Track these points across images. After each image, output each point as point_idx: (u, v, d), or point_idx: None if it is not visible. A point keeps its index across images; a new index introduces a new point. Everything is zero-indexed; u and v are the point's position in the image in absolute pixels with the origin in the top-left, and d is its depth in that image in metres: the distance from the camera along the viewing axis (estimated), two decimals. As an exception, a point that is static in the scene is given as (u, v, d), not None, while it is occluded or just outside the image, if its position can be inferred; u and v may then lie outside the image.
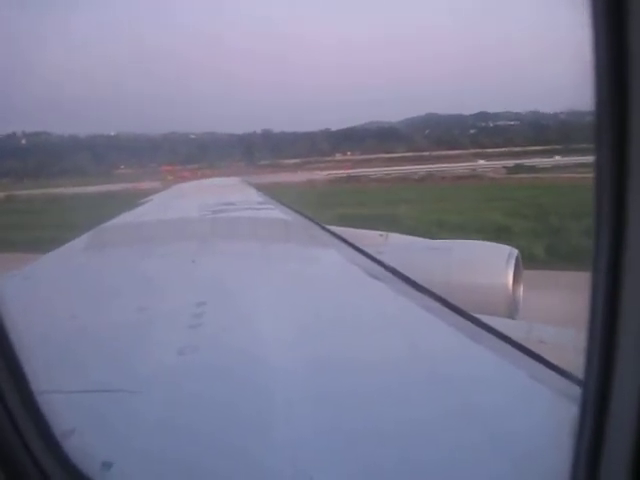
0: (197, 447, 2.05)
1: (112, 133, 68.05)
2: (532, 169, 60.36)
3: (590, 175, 1.03)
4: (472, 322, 3.53)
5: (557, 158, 62.87)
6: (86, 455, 1.71)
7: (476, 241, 8.05)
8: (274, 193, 12.65)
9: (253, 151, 67.39)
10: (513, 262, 6.64)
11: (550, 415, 2.02)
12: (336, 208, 29.63)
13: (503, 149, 70.06)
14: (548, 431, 1.68)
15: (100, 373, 2.72)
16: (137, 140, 65.79)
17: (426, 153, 71.15)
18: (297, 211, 8.93)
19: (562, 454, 1.20)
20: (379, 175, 61.12)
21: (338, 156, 76.62)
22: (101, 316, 3.72)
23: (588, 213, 1.07)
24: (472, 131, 78.14)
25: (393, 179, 58.87)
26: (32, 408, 1.45)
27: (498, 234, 20.81)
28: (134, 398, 2.43)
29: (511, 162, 63.88)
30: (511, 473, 1.85)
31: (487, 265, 6.76)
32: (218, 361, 2.93)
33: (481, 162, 66.95)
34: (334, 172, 61.73)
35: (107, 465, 1.86)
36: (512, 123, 77.34)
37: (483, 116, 79.62)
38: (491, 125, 78.86)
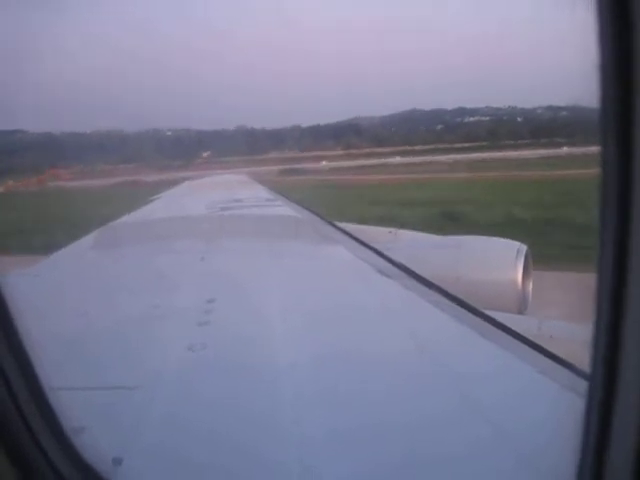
0: (206, 443, 2.06)
1: (88, 131, 68.07)
2: (301, 172, 62.80)
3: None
4: (481, 318, 3.53)
5: (397, 158, 69.76)
6: (97, 451, 1.72)
7: (485, 237, 8.02)
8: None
9: (192, 149, 65.96)
10: (522, 258, 6.61)
11: (559, 410, 2.02)
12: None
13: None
14: (556, 426, 1.68)
15: (110, 370, 2.74)
16: (110, 137, 65.46)
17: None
18: (307, 208, 8.95)
19: (569, 448, 1.20)
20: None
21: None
22: (111, 313, 3.75)
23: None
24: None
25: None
26: (43, 405, 1.47)
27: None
28: (144, 395, 2.45)
29: (288, 166, 65.81)
30: (520, 468, 1.86)
31: (496, 261, 6.73)
32: (227, 357, 2.94)
33: (324, 163, 70.96)
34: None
35: (117, 461, 1.88)
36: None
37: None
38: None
